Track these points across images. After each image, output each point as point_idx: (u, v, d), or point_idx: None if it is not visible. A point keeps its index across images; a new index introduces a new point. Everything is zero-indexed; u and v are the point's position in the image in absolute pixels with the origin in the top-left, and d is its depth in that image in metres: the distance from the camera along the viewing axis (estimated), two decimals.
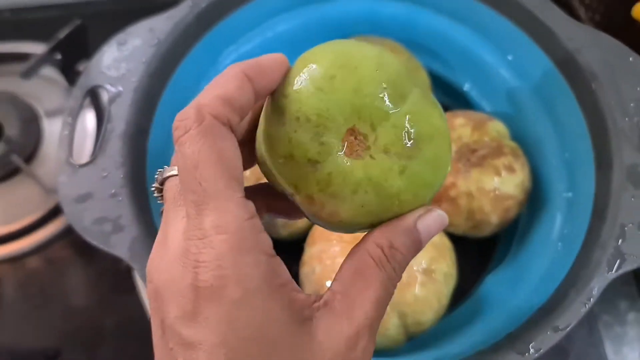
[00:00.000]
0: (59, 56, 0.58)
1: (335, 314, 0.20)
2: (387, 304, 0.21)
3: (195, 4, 0.42)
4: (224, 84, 0.20)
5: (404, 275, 0.39)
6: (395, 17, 0.48)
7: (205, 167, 0.19)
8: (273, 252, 0.19)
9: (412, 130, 0.22)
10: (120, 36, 0.42)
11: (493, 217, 0.43)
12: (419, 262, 0.39)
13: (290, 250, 0.43)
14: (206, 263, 0.18)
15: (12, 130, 0.55)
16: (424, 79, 0.48)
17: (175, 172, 0.21)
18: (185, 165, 0.19)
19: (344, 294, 0.20)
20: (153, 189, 0.22)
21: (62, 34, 0.56)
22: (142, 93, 0.40)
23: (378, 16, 0.48)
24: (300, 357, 0.19)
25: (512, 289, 0.41)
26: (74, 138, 0.40)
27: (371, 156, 0.22)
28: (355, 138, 0.22)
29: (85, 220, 0.36)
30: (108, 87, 0.40)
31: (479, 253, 0.48)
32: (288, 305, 0.19)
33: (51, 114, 0.57)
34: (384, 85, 0.22)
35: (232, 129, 0.20)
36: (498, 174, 0.42)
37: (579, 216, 0.40)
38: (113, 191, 0.37)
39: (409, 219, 0.22)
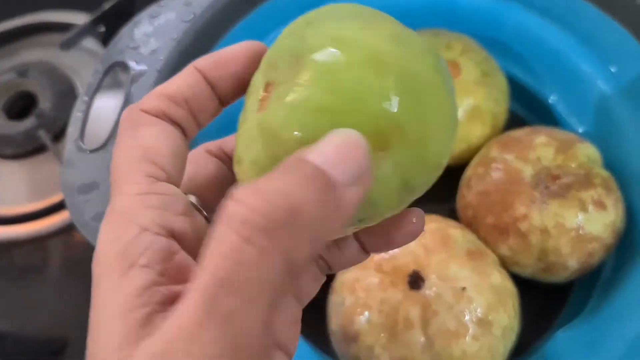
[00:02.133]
0: (102, 28, 0.54)
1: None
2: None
3: None
4: (170, 81, 0.18)
5: (452, 322, 0.32)
6: (476, 10, 0.40)
7: (117, 156, 0.17)
8: (159, 229, 0.15)
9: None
10: (153, 8, 0.37)
11: (571, 261, 0.35)
12: (473, 308, 0.32)
13: None
14: (99, 239, 0.16)
15: (45, 103, 0.52)
16: (501, 83, 0.40)
17: None
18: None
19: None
20: None
21: (107, 5, 0.53)
22: (168, 73, 0.35)
23: (455, 7, 0.40)
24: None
25: (589, 353, 0.33)
26: (91, 118, 0.35)
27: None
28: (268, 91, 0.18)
29: (86, 214, 0.32)
30: (132, 64, 0.35)
31: (548, 300, 0.40)
32: (133, 293, 0.14)
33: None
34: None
35: (176, 121, 0.18)
36: (584, 209, 0.34)
37: None
38: None
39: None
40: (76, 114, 0.35)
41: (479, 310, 0.32)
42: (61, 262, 0.49)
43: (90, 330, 0.15)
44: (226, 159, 0.20)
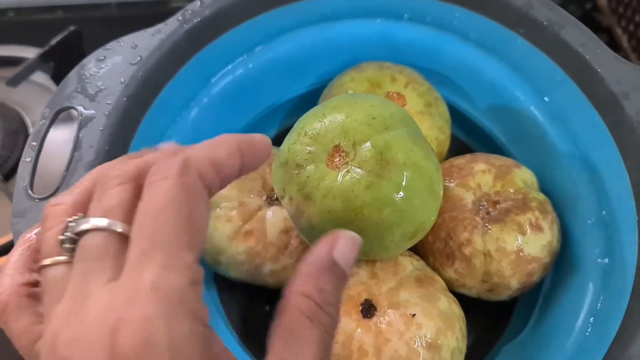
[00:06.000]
0: (51, 63, 0.54)
1: None
2: (329, 357, 0.19)
3: (185, 19, 0.38)
4: (215, 148, 0.20)
5: (404, 349, 0.34)
6: (414, 43, 0.42)
7: (170, 218, 0.17)
8: (208, 323, 0.18)
9: (384, 153, 0.26)
10: (99, 51, 0.37)
11: (513, 282, 0.37)
12: (423, 334, 0.33)
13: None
14: (130, 322, 0.15)
15: None
16: (444, 112, 0.42)
17: (104, 223, 0.18)
18: (149, 209, 0.17)
19: None
20: (63, 238, 0.19)
21: (54, 40, 0.52)
22: (117, 118, 0.35)
23: (394, 41, 0.42)
24: None
25: None
26: (40, 164, 0.35)
27: (347, 170, 0.26)
28: (339, 154, 0.26)
29: None
30: (80, 109, 0.35)
31: (493, 316, 0.42)
32: None
33: None
34: (373, 117, 0.27)
35: (212, 190, 0.20)
36: (522, 232, 0.36)
37: (617, 290, 0.34)
38: None
39: (320, 251, 0.20)
40: (25, 160, 0.35)
41: (428, 335, 0.33)
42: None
43: None
44: None
